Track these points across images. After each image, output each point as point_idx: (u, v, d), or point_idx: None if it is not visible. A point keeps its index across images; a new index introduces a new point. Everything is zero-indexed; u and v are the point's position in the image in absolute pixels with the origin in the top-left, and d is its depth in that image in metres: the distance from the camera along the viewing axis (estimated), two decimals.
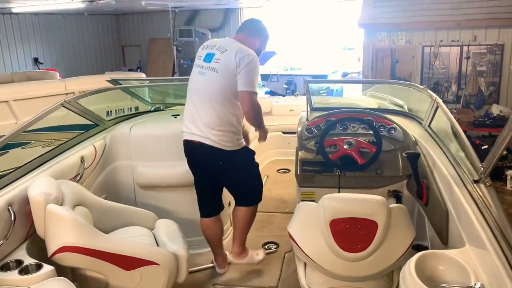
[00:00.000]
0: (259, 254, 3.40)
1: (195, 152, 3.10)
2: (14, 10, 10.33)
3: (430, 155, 2.94)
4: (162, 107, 4.36)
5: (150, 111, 4.19)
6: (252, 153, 3.25)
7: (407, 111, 4.05)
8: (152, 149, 3.50)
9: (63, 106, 3.17)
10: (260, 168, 3.40)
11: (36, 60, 12.00)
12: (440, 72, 9.36)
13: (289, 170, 5.28)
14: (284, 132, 5.71)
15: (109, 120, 3.75)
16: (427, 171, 2.89)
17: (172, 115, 3.75)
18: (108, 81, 3.69)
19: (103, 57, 13.62)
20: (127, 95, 4.78)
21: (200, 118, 2.99)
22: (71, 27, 12.56)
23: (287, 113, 5.91)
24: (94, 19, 13.16)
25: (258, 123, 3.16)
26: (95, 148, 3.37)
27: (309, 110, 3.87)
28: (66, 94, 5.54)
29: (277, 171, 5.45)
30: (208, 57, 3.04)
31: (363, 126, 3.43)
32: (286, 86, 12.36)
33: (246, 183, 3.25)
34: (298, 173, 3.40)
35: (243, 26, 3.24)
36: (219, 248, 3.39)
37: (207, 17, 12.88)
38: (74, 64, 12.68)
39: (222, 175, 3.15)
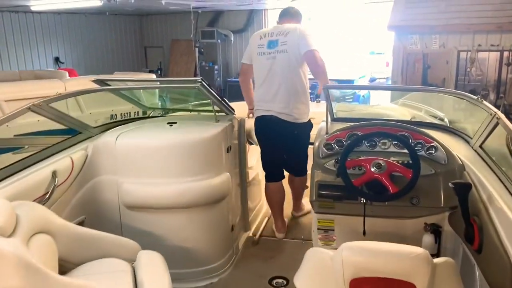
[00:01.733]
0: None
1: (271, 126, 3.49)
2: (33, 8, 9.98)
3: (484, 185, 2.23)
4: (161, 112, 3.76)
5: (144, 117, 3.57)
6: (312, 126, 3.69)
7: (448, 125, 3.32)
8: (142, 162, 2.89)
9: (31, 110, 2.60)
10: None
11: (57, 59, 11.67)
12: (477, 79, 8.52)
13: (307, 187, 4.60)
14: None
15: (95, 127, 3.16)
16: (480, 206, 2.18)
17: (168, 123, 3.13)
18: (93, 81, 3.09)
19: (125, 57, 13.21)
20: (149, 96, 4.22)
21: (279, 97, 3.43)
22: (93, 27, 12.18)
23: None
24: (117, 19, 12.76)
25: (326, 78, 3.53)
26: (72, 160, 2.78)
27: (329, 120, 3.19)
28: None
29: None
30: (273, 44, 3.45)
31: (395, 143, 2.74)
32: (310, 91, 11.65)
33: (303, 155, 3.71)
34: (314, 198, 2.74)
35: (283, 13, 3.64)
36: (280, 213, 3.75)
37: (231, 19, 12.31)
38: (96, 64, 12.31)
39: (290, 146, 3.60)
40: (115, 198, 2.96)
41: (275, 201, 3.71)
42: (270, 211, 4.04)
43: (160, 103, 4.68)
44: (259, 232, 3.68)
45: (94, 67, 12.08)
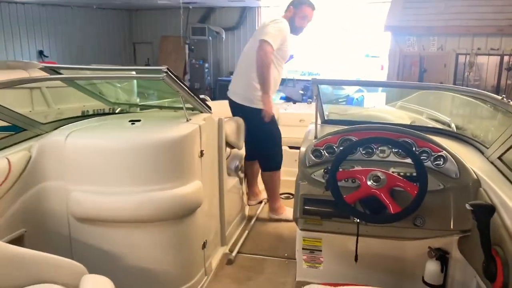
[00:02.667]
0: None
1: (231, 107, 3.63)
2: None
3: (508, 207, 1.78)
4: (127, 109, 3.26)
5: (104, 114, 3.06)
6: (262, 112, 3.40)
7: (455, 131, 2.86)
8: (96, 167, 2.41)
9: None
10: None
11: (41, 53, 11.12)
12: (474, 84, 8.11)
13: (293, 196, 4.12)
14: (290, 147, 4.53)
15: (45, 124, 2.66)
16: (503, 234, 1.72)
17: (130, 121, 2.64)
18: (41, 69, 2.59)
19: (113, 53, 12.67)
20: (114, 90, 3.72)
21: (236, 78, 3.61)
22: (80, 20, 11.63)
23: (296, 124, 4.75)
24: (105, 13, 12.22)
25: (260, 77, 3.29)
26: (9, 162, 2.29)
27: (319, 122, 2.73)
28: (31, 88, 4.52)
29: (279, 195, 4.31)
30: None
31: (396, 151, 2.28)
32: (302, 92, 11.20)
33: (259, 144, 3.61)
34: (298, 215, 2.27)
35: None
36: (252, 184, 3.93)
37: (223, 15, 11.83)
38: (82, 59, 11.75)
39: (248, 129, 3.52)
40: (63, 209, 2.47)
41: (248, 175, 3.83)
42: (251, 224, 3.58)
43: (138, 100, 4.17)
44: (237, 248, 3.20)
45: (80, 62, 11.53)
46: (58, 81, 3.44)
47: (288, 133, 4.55)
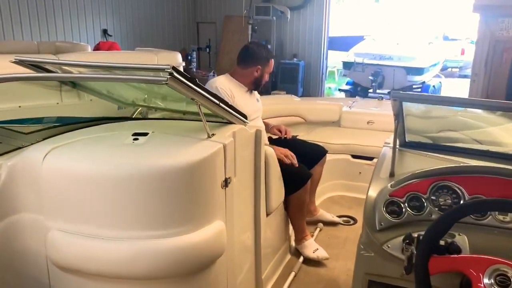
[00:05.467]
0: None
1: None
2: None
3: None
4: (145, 111, 2.52)
5: (110, 119, 2.33)
6: None
7: None
8: (80, 199, 1.71)
9: None
10: None
11: (105, 31, 10.82)
12: None
13: (355, 221, 3.24)
14: (354, 156, 3.63)
15: (29, 133, 2.00)
16: None
17: (134, 134, 1.91)
18: (13, 62, 1.88)
19: (176, 33, 12.14)
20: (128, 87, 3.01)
21: None
22: None
23: (363, 126, 3.83)
24: None
25: None
26: None
27: (397, 148, 1.84)
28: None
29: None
30: None
31: None
32: (372, 78, 10.03)
33: None
34: None
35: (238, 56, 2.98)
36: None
37: None
38: (145, 38, 11.34)
39: None
40: (40, 250, 1.81)
41: None
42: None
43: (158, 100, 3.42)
44: None
45: (144, 41, 11.14)
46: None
47: (351, 138, 3.64)
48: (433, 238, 1.17)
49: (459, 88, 13.07)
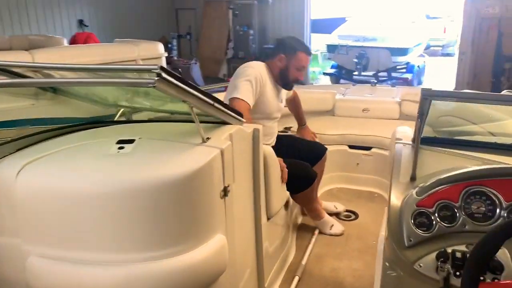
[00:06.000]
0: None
1: None
2: None
3: None
4: (127, 113, 2.28)
5: (89, 123, 2.09)
6: None
7: None
8: (61, 220, 1.50)
9: None
10: None
11: (81, 22, 10.37)
12: None
13: (356, 215, 3.09)
14: (351, 147, 3.46)
15: (2, 144, 1.76)
16: None
17: (119, 142, 1.69)
18: None
19: (155, 20, 11.73)
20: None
21: None
22: None
23: (358, 114, 3.66)
24: None
25: None
26: None
27: (412, 143, 1.66)
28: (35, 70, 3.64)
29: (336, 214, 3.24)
30: None
31: None
32: (356, 61, 9.85)
33: None
34: None
35: None
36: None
37: None
38: (124, 28, 10.92)
39: None
40: (19, 278, 1.59)
41: None
42: (301, 264, 2.60)
43: (147, 102, 3.18)
44: None
45: (121, 30, 10.74)
46: None
47: (347, 128, 3.47)
48: (484, 259, 1.00)
49: (443, 67, 13.02)
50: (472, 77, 7.15)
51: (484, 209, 1.28)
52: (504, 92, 3.10)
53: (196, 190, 1.55)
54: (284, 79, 2.62)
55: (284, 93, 2.80)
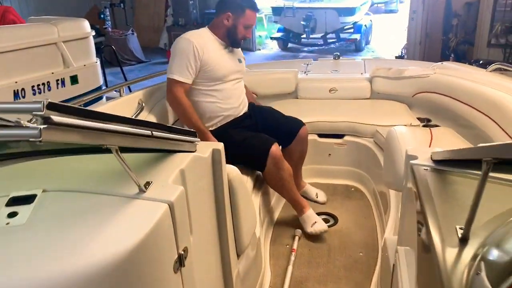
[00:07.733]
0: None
1: None
2: None
3: None
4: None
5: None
6: None
7: None
8: None
9: None
10: None
11: None
12: None
13: (335, 220, 2.61)
14: (320, 135, 2.96)
15: None
16: None
17: (11, 202, 1.07)
18: None
19: None
20: None
21: None
22: None
23: (325, 96, 3.14)
24: None
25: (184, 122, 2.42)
26: None
27: (426, 166, 1.17)
28: None
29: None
30: None
31: None
32: (304, 23, 9.31)
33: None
34: None
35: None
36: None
37: None
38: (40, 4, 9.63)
39: None
40: None
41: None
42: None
43: None
44: None
45: (46, 3, 9.50)
46: None
47: (314, 114, 2.95)
48: None
49: (388, 25, 12.75)
50: (424, 36, 6.84)
51: None
52: (493, 66, 2.70)
53: (136, 274, 0.98)
54: (232, 38, 2.49)
55: (241, 53, 2.66)
